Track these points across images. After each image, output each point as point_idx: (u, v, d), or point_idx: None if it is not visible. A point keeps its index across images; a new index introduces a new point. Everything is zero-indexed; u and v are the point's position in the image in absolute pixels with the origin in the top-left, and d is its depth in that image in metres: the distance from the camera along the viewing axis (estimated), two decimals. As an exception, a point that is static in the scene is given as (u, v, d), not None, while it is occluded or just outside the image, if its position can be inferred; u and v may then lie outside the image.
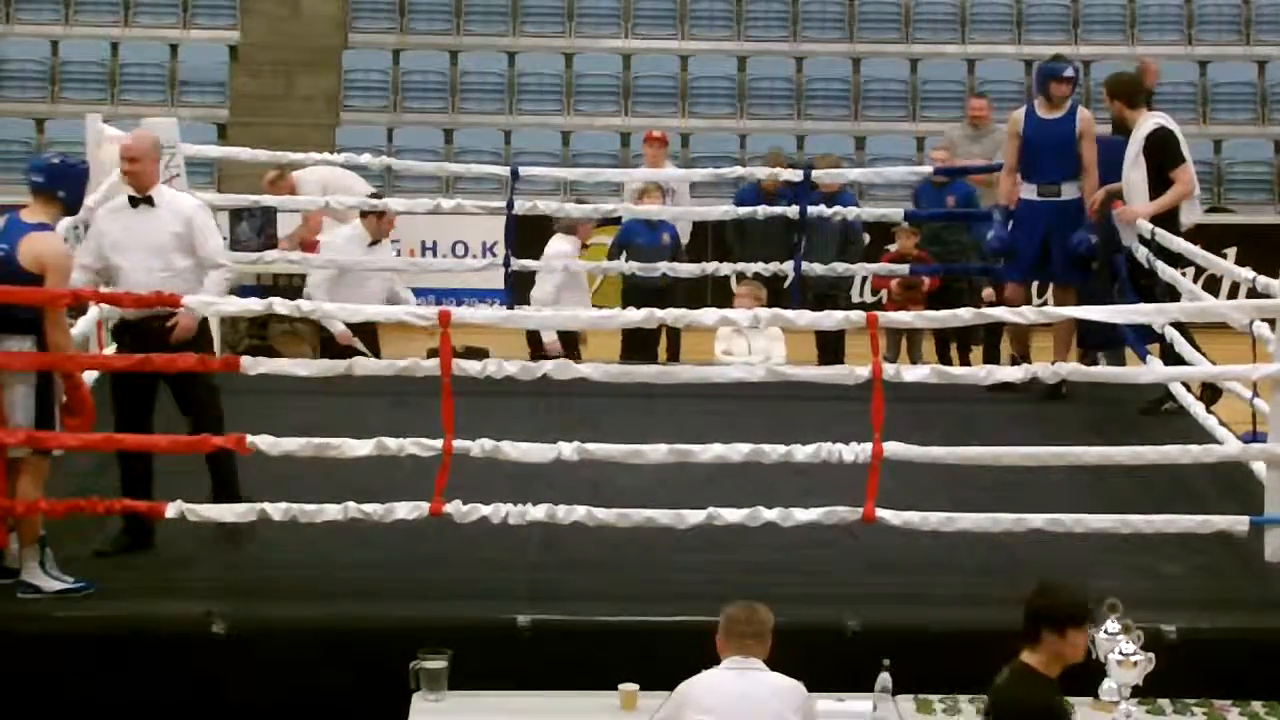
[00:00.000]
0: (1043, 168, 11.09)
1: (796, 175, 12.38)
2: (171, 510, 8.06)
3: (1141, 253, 10.75)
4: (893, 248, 13.31)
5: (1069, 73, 11.16)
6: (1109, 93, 11.15)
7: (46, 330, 7.85)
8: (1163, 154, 10.73)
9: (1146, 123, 10.83)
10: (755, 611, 6.51)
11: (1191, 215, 10.89)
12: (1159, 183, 10.72)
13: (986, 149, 13.95)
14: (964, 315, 8.85)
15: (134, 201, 8.51)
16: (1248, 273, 9.20)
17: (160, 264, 8.39)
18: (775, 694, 6.38)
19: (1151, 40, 18.44)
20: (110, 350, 8.91)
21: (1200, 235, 10.84)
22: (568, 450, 8.21)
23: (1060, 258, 11.06)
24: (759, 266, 12.57)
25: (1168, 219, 10.68)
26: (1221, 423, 9.79)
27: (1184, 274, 10.73)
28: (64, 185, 8.10)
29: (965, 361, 12.91)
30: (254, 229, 14.02)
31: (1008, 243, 11.16)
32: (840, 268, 12.53)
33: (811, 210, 12.16)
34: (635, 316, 8.65)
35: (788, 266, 12.13)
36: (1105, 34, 18.53)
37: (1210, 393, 10.34)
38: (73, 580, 7.99)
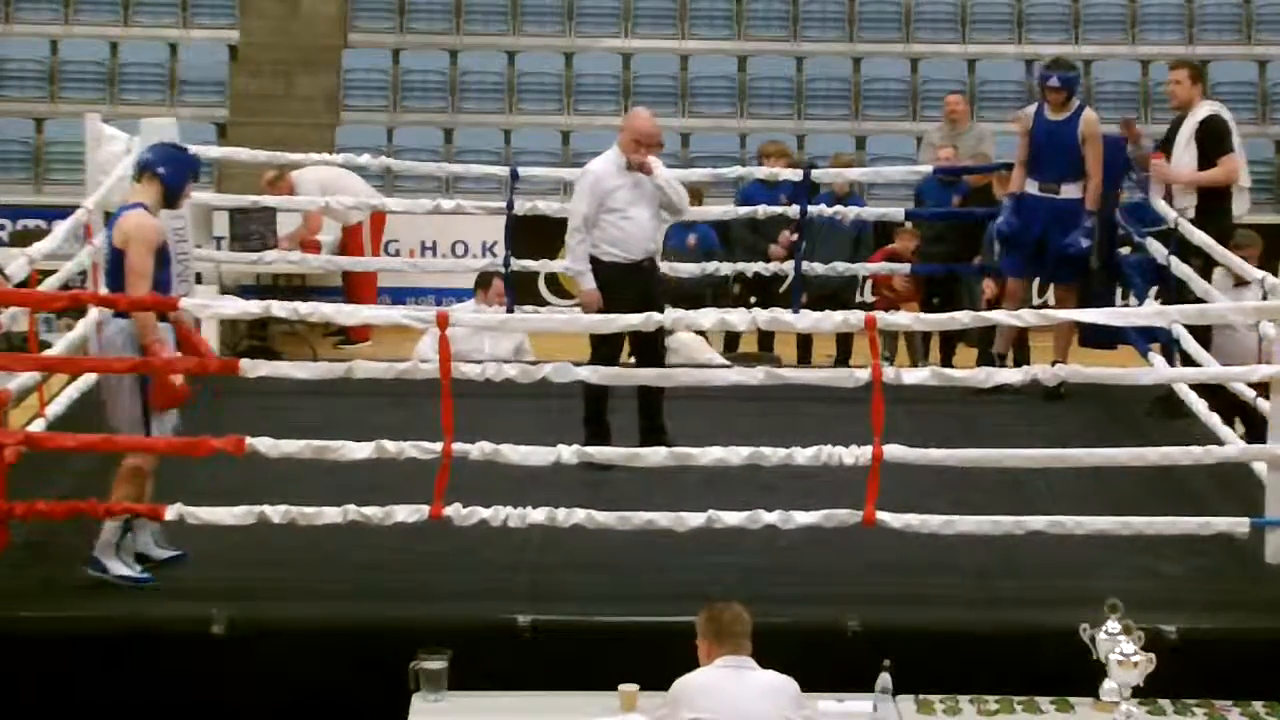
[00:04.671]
0: (1045, 167, 11.24)
1: (796, 175, 12.39)
2: (171, 512, 8.07)
3: (1155, 214, 10.94)
4: (889, 247, 13.34)
5: (1053, 82, 11.25)
6: (1182, 65, 11.30)
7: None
8: (1213, 141, 10.88)
9: (1203, 108, 11.03)
10: (739, 610, 6.57)
11: (1242, 206, 11.02)
12: (1207, 169, 10.87)
13: (967, 145, 13.99)
14: (962, 318, 8.86)
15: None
16: (1257, 272, 9.25)
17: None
18: (770, 693, 6.44)
19: (1151, 40, 18.41)
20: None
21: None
22: (567, 453, 8.22)
23: (1053, 256, 11.19)
24: (759, 266, 12.59)
25: (1219, 209, 10.78)
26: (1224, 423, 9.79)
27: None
28: (165, 163, 8.26)
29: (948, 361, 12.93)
30: (253, 235, 14.01)
31: (1015, 229, 11.25)
32: (840, 267, 12.52)
33: (813, 210, 12.18)
34: (635, 319, 8.65)
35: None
36: (1105, 34, 18.50)
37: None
38: (139, 570, 8.09)
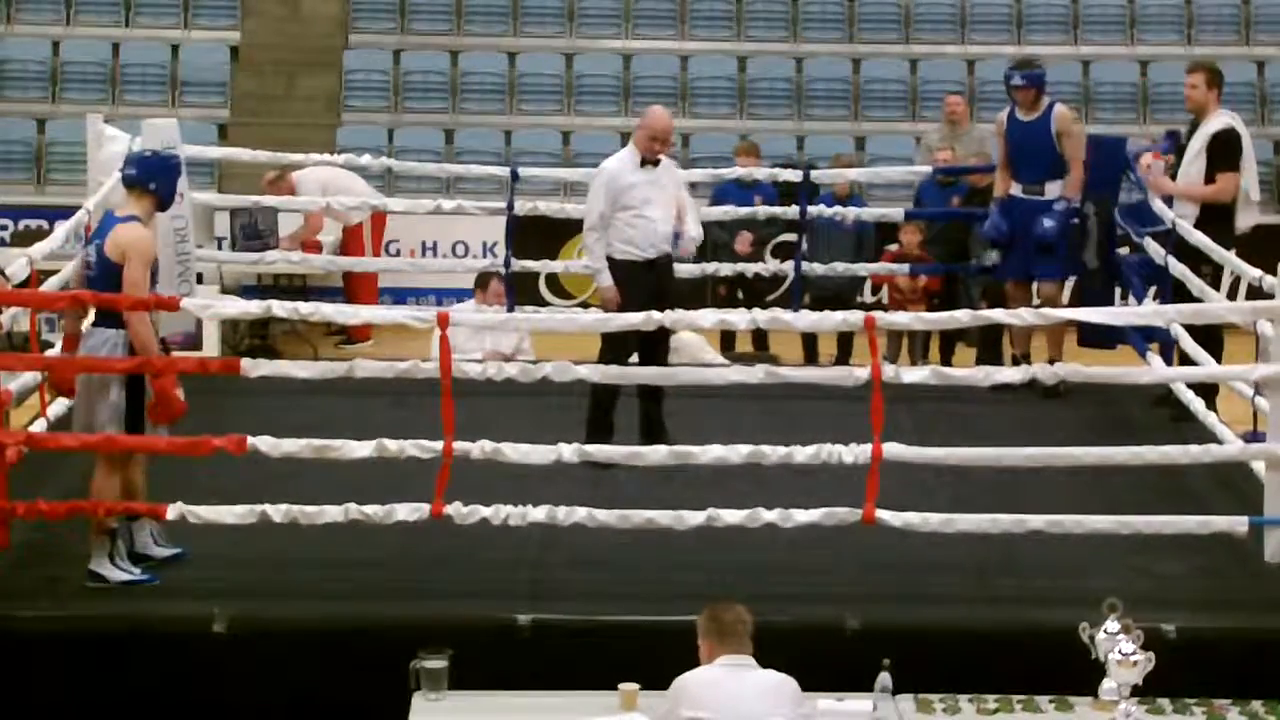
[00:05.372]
0: (1024, 169, 11.28)
1: (796, 175, 12.39)
2: (172, 512, 8.08)
3: (1154, 214, 10.92)
4: (893, 247, 13.31)
5: (1017, 80, 11.29)
6: (1201, 68, 11.16)
7: (128, 324, 7.99)
8: (1220, 156, 10.79)
9: (1218, 119, 10.92)
10: (741, 610, 6.58)
11: (1247, 220, 10.93)
12: (1214, 181, 10.80)
13: (967, 147, 13.98)
14: (961, 317, 8.87)
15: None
16: (1255, 271, 9.25)
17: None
18: (769, 691, 6.44)
19: (1151, 41, 18.40)
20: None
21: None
22: (567, 452, 8.22)
23: (1036, 252, 11.18)
24: (759, 267, 12.59)
25: (1221, 221, 10.69)
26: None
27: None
28: (156, 178, 8.25)
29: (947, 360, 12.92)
30: (251, 234, 14.00)
31: (1004, 233, 11.26)
32: (841, 268, 12.51)
33: (813, 211, 12.18)
34: (634, 319, 8.66)
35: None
36: (1105, 34, 18.48)
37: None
38: (139, 572, 8.10)
